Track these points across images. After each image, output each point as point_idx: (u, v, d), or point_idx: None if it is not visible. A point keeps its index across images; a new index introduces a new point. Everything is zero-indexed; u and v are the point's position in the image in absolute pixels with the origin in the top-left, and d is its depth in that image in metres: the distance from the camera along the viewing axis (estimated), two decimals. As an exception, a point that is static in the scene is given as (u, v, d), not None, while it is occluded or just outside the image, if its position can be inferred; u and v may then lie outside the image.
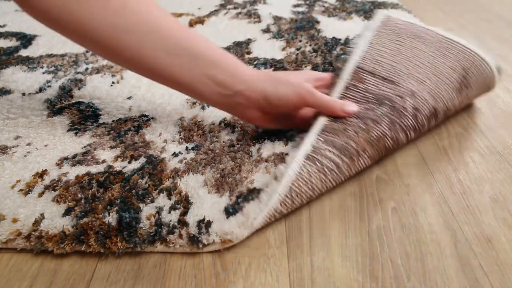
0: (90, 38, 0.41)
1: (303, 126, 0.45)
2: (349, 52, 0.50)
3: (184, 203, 0.40)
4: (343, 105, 0.43)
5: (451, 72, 0.48)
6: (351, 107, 0.43)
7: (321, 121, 0.43)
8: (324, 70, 0.63)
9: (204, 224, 0.37)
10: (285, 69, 0.65)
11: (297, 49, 0.71)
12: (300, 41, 0.74)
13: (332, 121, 0.43)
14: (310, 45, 0.72)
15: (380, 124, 0.42)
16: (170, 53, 0.42)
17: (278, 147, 0.47)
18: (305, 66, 0.65)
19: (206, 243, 0.36)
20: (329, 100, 0.44)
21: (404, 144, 0.46)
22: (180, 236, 0.37)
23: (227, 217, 0.38)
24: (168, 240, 0.37)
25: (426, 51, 0.49)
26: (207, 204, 0.40)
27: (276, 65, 0.66)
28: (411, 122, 0.44)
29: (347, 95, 0.46)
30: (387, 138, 0.42)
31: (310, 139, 0.41)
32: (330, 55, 0.68)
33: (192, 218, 0.38)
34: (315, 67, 0.64)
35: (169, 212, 0.39)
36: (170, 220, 0.38)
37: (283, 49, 0.72)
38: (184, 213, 0.38)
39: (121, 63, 0.44)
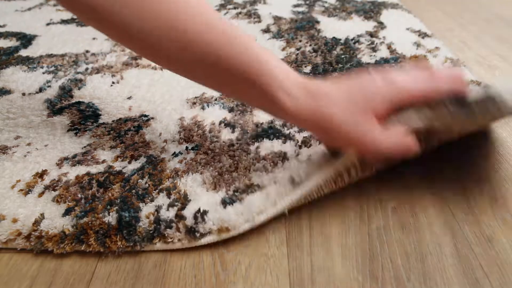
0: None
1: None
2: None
3: (182, 200, 0.40)
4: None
5: None
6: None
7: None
8: (324, 70, 0.63)
9: (200, 214, 0.37)
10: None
11: (297, 49, 0.71)
12: (300, 41, 0.74)
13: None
14: (310, 45, 0.72)
15: None
16: (212, 27, 0.33)
17: (277, 145, 0.47)
18: (305, 66, 0.65)
19: (203, 232, 0.37)
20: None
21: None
22: (178, 229, 0.37)
23: (224, 207, 0.38)
24: (166, 235, 0.37)
25: None
26: (203, 199, 0.40)
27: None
28: None
29: None
30: None
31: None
32: (330, 55, 0.68)
33: (189, 211, 0.38)
34: (315, 67, 0.64)
35: (168, 209, 0.39)
36: (168, 216, 0.38)
37: (283, 49, 0.72)
38: (181, 209, 0.39)
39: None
